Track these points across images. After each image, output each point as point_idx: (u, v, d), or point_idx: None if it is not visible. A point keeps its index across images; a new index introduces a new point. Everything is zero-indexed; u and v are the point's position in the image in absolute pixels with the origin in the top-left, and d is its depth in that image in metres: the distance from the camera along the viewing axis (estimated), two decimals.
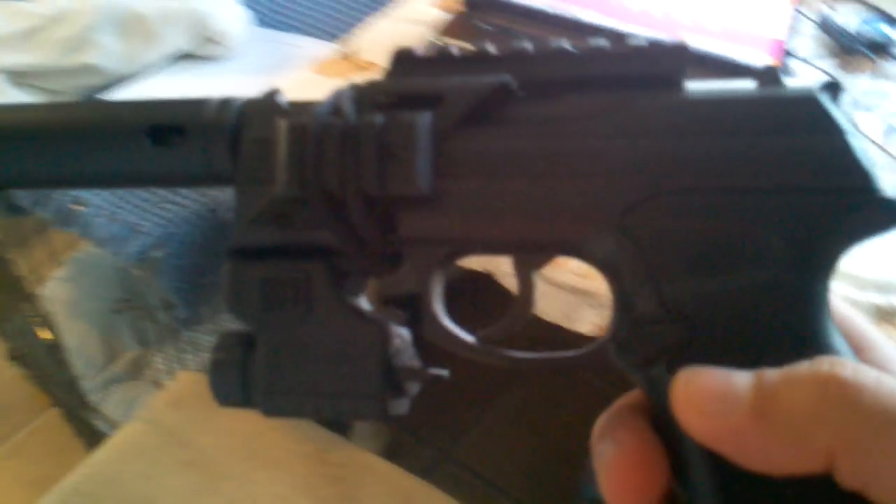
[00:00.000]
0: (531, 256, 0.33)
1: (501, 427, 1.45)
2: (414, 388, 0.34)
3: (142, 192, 0.91)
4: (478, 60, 0.33)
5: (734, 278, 0.29)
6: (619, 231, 0.30)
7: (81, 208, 0.94)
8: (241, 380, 0.34)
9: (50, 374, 1.35)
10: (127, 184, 0.38)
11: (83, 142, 0.36)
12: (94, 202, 0.93)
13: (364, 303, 0.35)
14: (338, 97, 0.34)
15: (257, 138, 0.34)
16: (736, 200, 0.29)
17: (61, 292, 1.39)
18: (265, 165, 0.34)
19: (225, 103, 0.36)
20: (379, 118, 0.32)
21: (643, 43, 0.32)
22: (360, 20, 0.99)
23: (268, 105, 0.35)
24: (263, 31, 1.07)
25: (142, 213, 0.90)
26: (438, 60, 0.34)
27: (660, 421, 0.29)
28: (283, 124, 0.33)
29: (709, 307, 0.29)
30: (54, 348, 1.28)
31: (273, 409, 0.34)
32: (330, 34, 1.06)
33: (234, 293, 0.34)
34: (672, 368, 0.28)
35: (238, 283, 0.34)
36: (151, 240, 0.90)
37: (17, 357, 1.48)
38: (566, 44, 0.33)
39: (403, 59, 0.34)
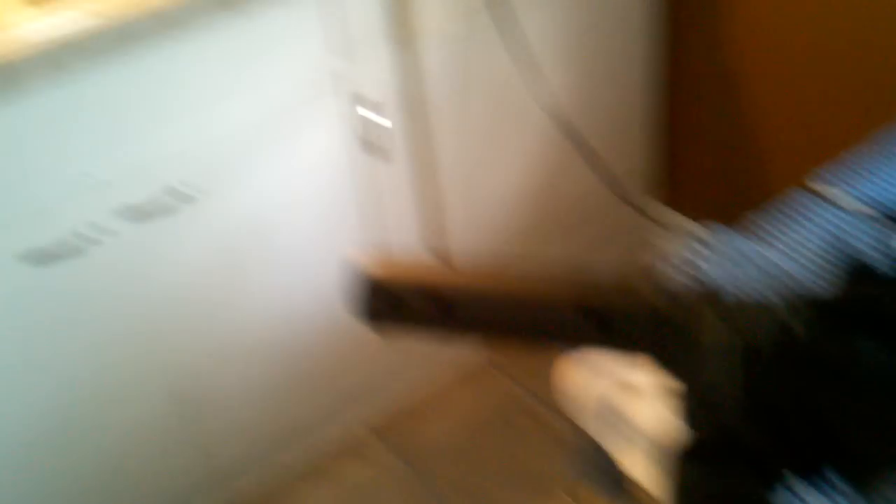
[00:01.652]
0: None
1: None
2: None
3: None
4: None
5: None
6: None
7: None
8: None
9: None
10: (563, 344, 0.38)
11: (529, 310, 0.38)
12: None
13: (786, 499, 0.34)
14: (793, 309, 0.32)
15: (706, 343, 0.33)
16: None
17: None
18: (712, 372, 0.33)
19: (673, 298, 0.35)
20: (838, 344, 0.30)
21: None
22: None
23: (716, 308, 0.34)
24: None
25: None
26: None
27: None
28: (734, 340, 0.32)
29: None
30: None
31: None
32: None
33: (681, 496, 0.34)
34: None
35: (683, 486, 0.34)
36: None
37: None
38: None
39: (860, 271, 0.32)
